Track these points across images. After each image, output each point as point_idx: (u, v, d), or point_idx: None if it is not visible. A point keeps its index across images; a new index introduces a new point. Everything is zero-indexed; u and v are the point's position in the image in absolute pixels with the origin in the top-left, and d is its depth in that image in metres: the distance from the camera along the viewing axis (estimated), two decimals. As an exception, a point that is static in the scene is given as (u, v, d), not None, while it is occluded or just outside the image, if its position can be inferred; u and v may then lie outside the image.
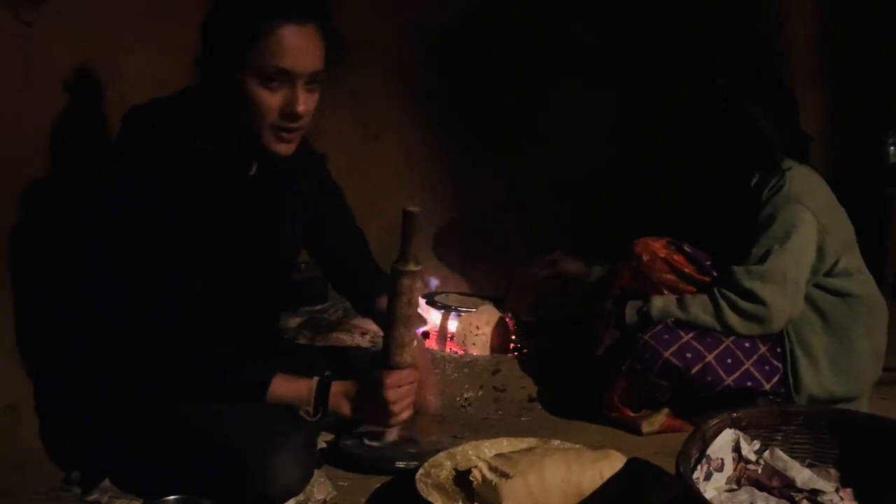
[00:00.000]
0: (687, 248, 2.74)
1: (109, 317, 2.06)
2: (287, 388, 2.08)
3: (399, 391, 2.14)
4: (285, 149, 2.08)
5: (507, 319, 3.30)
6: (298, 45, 1.97)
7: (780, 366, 2.63)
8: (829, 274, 2.67)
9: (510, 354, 3.20)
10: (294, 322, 3.15)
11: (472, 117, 3.71)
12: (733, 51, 3.11)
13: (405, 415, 2.19)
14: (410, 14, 3.57)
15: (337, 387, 2.14)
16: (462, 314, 3.30)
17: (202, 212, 2.02)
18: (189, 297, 2.00)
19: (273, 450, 1.99)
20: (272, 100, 1.99)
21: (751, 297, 2.58)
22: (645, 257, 2.74)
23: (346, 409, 2.14)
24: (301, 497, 2.10)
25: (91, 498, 2.09)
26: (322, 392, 2.11)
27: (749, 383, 2.60)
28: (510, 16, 3.71)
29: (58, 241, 2.30)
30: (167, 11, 2.64)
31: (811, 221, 2.60)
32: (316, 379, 2.12)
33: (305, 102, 2.02)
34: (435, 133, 3.63)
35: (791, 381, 2.63)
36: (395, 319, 2.14)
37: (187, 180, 2.00)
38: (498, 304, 3.37)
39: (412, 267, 2.11)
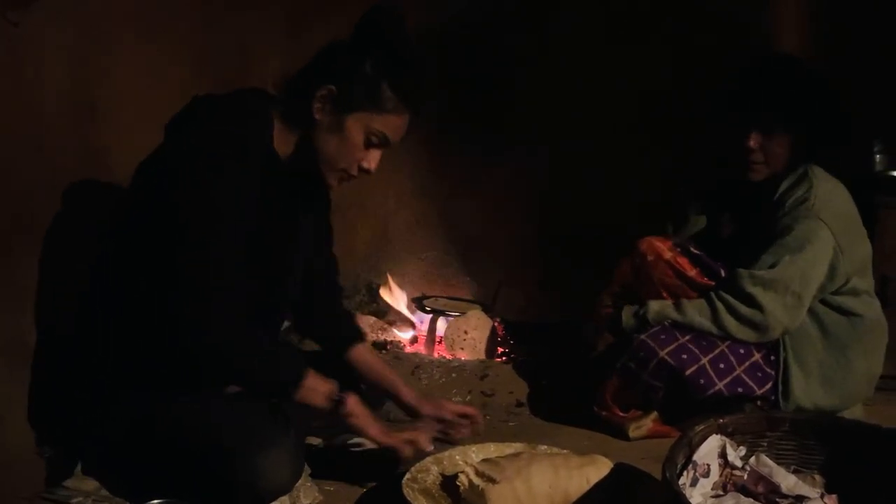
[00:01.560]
0: (694, 250, 2.72)
1: (110, 316, 2.09)
2: (319, 384, 2.11)
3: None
4: (336, 188, 2.25)
5: (496, 324, 3.30)
6: (404, 130, 2.20)
7: (772, 373, 2.62)
8: (836, 292, 2.66)
9: (498, 359, 3.20)
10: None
11: (471, 118, 3.69)
12: (733, 51, 3.09)
13: (406, 446, 2.22)
14: (410, 15, 3.55)
15: (352, 395, 2.17)
16: (451, 318, 3.30)
17: (248, 212, 2.05)
18: (238, 285, 2.01)
19: (265, 448, 2.01)
20: (360, 153, 2.16)
21: (750, 301, 2.57)
22: (649, 257, 2.73)
23: (359, 411, 2.17)
24: (288, 502, 2.10)
25: (75, 501, 2.09)
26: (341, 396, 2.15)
27: (740, 389, 2.59)
28: (510, 16, 3.69)
29: (48, 241, 2.30)
30: (166, 12, 2.65)
31: (828, 239, 2.58)
32: (336, 382, 2.16)
33: (377, 163, 2.22)
34: (433, 134, 3.62)
35: (780, 388, 2.62)
36: None
37: (240, 180, 2.03)
38: (487, 308, 3.38)
39: None
